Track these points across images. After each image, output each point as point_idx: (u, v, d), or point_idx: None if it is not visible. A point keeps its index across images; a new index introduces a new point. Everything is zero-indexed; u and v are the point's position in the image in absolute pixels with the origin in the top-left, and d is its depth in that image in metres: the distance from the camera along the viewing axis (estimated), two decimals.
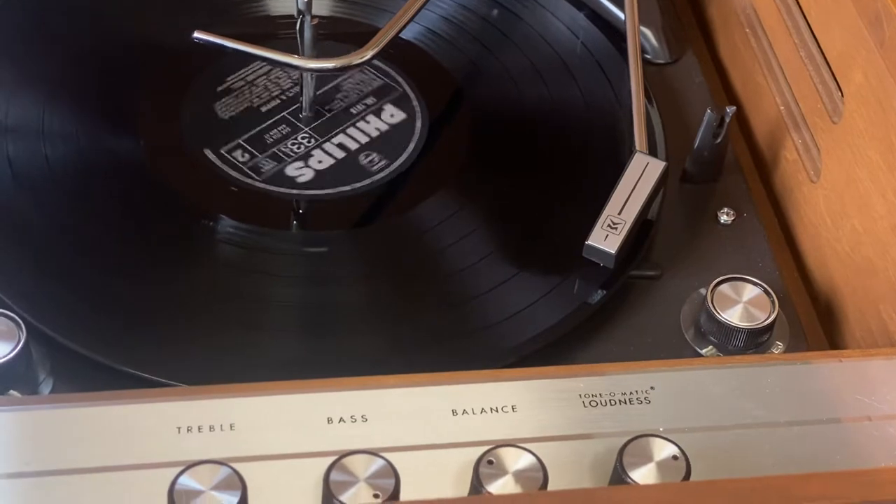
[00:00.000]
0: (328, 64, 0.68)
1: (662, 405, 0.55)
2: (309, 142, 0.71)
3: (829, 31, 0.67)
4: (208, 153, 0.70)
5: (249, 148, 0.71)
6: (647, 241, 0.67)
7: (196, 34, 0.67)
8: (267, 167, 0.70)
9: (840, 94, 0.66)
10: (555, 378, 0.55)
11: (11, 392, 0.57)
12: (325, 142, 0.71)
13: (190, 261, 0.66)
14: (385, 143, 0.72)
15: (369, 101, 0.74)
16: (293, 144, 0.71)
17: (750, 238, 0.69)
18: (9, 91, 0.71)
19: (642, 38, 0.78)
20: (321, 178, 0.70)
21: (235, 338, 0.62)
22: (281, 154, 0.70)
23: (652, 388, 0.55)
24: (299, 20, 0.68)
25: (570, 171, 0.72)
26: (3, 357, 0.56)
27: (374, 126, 0.72)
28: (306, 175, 0.70)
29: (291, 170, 0.70)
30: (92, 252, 0.65)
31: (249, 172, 0.69)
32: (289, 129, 0.72)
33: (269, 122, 0.72)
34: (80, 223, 0.66)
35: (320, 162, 0.70)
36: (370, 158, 0.71)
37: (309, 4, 0.68)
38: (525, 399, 0.54)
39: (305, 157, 0.71)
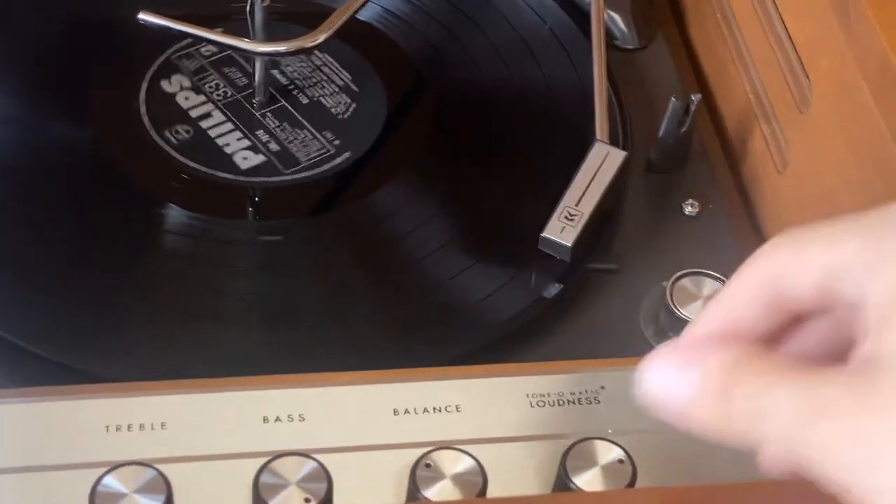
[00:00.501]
0: (280, 47, 0.66)
1: (612, 406, 0.53)
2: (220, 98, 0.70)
3: (797, 16, 0.65)
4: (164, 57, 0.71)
5: (191, 76, 0.71)
6: (607, 233, 0.65)
7: (141, 15, 0.64)
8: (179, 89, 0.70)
9: (808, 82, 0.64)
10: (502, 377, 0.53)
11: None
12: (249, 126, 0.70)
13: (133, 249, 0.64)
14: (341, 128, 0.69)
15: (325, 84, 0.71)
16: (218, 95, 0.70)
17: (715, 230, 0.67)
18: None
19: (610, 22, 0.76)
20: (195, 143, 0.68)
21: (181, 331, 0.60)
22: (201, 87, 0.70)
23: (602, 387, 0.53)
24: (250, 2, 0.66)
25: (532, 160, 0.70)
26: None
27: (330, 110, 0.70)
28: (198, 108, 0.69)
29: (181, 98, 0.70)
30: (28, 238, 0.63)
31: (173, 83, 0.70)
32: (231, 91, 0.71)
33: (231, 76, 0.71)
34: (14, 209, 0.64)
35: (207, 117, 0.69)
36: (324, 144, 0.68)
37: None
38: (470, 398, 0.52)
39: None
